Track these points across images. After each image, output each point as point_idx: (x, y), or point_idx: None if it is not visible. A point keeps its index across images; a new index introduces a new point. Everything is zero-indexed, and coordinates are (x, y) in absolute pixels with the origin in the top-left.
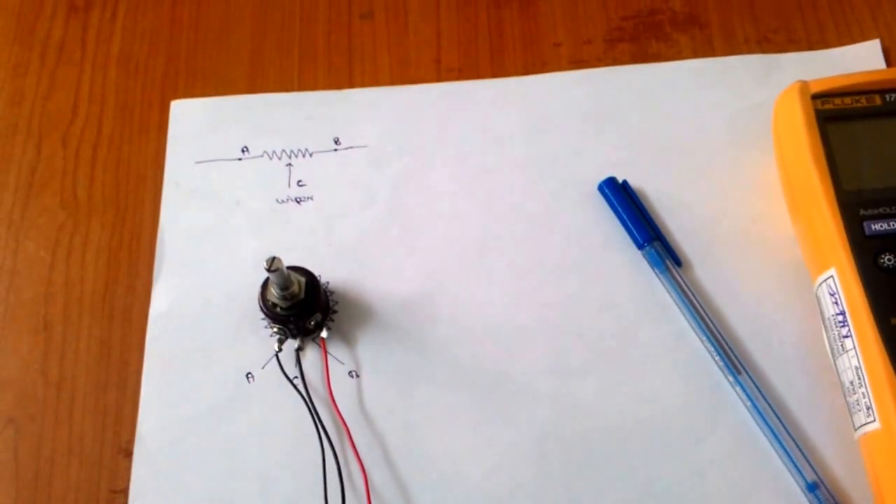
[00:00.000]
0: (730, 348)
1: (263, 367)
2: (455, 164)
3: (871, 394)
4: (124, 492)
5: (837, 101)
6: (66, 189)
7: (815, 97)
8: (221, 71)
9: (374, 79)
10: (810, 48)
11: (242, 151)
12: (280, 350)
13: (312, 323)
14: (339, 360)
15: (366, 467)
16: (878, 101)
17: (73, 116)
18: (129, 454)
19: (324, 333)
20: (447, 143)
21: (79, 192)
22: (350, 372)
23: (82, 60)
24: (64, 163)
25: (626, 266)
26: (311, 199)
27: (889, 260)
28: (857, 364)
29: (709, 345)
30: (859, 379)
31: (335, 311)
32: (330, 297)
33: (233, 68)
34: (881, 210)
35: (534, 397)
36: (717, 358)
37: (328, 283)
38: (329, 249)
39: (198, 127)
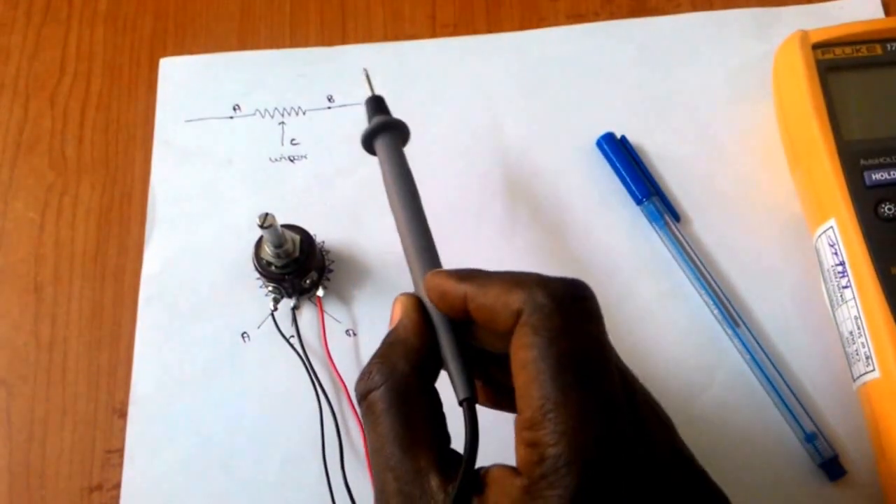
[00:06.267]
0: (728, 301)
1: (259, 327)
2: (451, 120)
3: (870, 343)
4: (119, 451)
5: (838, 50)
6: (54, 149)
7: (815, 47)
8: (211, 27)
9: (368, 35)
10: (809, 1)
11: (234, 109)
12: (275, 309)
13: (308, 282)
14: (335, 319)
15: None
16: (878, 50)
17: (60, 75)
18: (123, 414)
19: (320, 292)
20: (443, 100)
21: (68, 152)
22: (347, 330)
23: (69, 18)
24: (52, 122)
25: (624, 221)
26: (305, 157)
27: (889, 209)
28: (856, 314)
29: (707, 298)
30: (859, 329)
31: (331, 270)
32: (326, 256)
33: (223, 25)
34: (882, 160)
35: None
36: (715, 311)
37: (324, 242)
38: (324, 208)
39: (188, 85)
